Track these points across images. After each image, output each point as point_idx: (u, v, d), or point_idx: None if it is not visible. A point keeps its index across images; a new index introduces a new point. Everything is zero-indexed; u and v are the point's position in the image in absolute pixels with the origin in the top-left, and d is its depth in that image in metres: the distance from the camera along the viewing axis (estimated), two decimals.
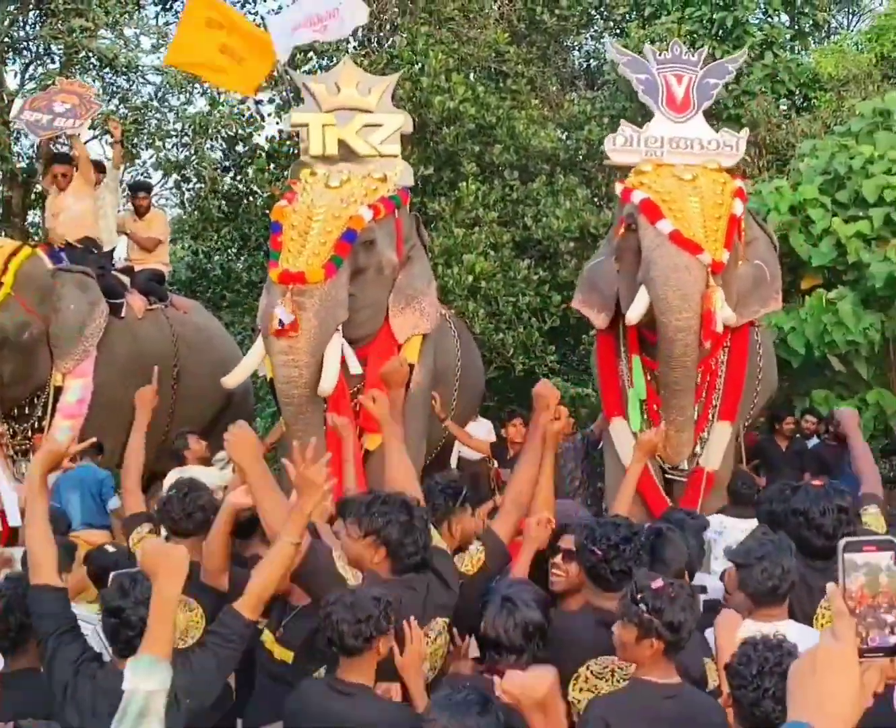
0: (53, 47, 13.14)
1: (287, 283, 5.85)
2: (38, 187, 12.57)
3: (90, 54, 12.99)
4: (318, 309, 5.88)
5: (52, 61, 13.61)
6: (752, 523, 4.30)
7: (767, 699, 2.54)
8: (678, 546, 3.64)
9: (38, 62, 13.82)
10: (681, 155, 6.70)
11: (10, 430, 7.44)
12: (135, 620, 2.75)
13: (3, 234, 11.67)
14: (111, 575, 2.99)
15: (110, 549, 4.45)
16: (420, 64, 11.69)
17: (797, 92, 14.22)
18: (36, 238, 12.37)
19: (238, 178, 13.32)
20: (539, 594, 3.25)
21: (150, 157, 13.49)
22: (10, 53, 13.67)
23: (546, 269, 11.50)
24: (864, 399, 8.95)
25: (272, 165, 12.49)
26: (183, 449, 6.78)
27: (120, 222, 9.00)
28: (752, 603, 3.42)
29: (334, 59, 11.54)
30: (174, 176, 13.55)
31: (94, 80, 13.09)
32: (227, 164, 13.40)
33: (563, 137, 12.84)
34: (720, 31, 13.89)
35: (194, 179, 13.29)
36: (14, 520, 6.07)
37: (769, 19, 15.08)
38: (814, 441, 8.90)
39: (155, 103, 13.66)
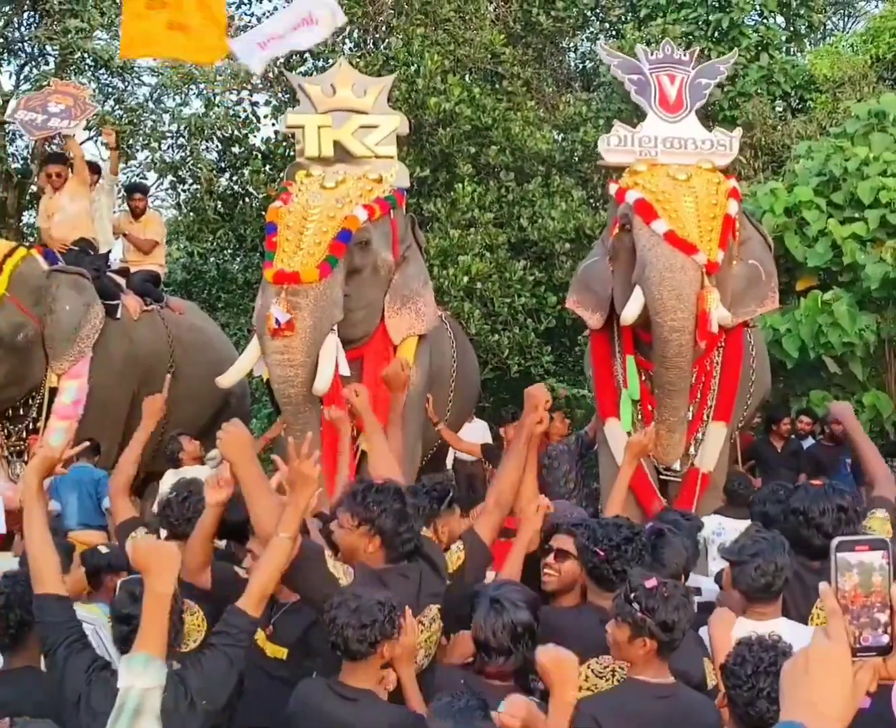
0: (49, 48, 13.14)
1: (282, 283, 5.86)
2: (34, 188, 12.56)
3: (85, 55, 12.97)
4: (312, 308, 5.88)
5: (47, 62, 13.61)
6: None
7: (762, 699, 2.54)
8: (677, 548, 3.64)
9: (34, 63, 13.81)
10: (675, 155, 6.69)
11: (5, 431, 7.44)
12: None
13: None
14: (118, 582, 2.99)
15: (103, 549, 4.44)
16: (416, 65, 11.70)
17: (792, 93, 14.24)
18: (31, 239, 12.36)
19: (234, 179, 13.33)
20: (528, 595, 3.24)
21: (146, 159, 13.49)
22: (6, 54, 13.65)
23: (542, 270, 11.52)
24: (860, 401, 8.96)
25: (268, 167, 12.50)
26: (177, 451, 6.78)
27: (116, 224, 8.99)
28: (745, 600, 3.43)
29: (330, 60, 11.54)
30: (170, 177, 13.56)
31: (89, 81, 13.08)
32: (222, 165, 13.39)
33: (559, 139, 12.85)
34: (716, 33, 13.92)
35: (190, 181, 13.29)
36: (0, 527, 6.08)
37: (765, 21, 15.09)
38: (809, 442, 8.90)
39: (150, 104, 13.66)
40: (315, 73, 11.84)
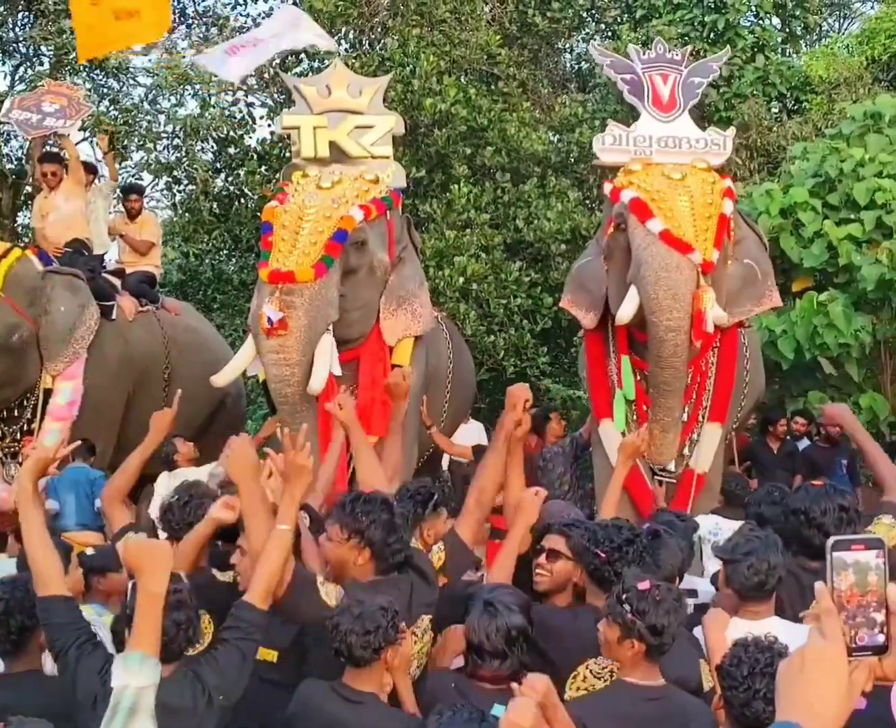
0: (43, 48, 13.13)
1: (276, 283, 5.85)
2: (28, 189, 12.54)
3: None
4: (307, 308, 5.87)
5: (42, 63, 13.59)
6: None
7: (758, 700, 2.54)
8: (673, 549, 3.64)
9: (28, 63, 13.80)
10: (669, 154, 6.68)
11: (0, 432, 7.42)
12: None
13: None
14: (129, 584, 2.98)
15: (89, 551, 4.42)
16: (411, 66, 11.70)
17: (788, 95, 14.26)
18: (26, 240, 12.32)
19: (229, 180, 13.31)
20: (521, 598, 3.23)
21: (141, 159, 13.47)
22: (0, 55, 13.63)
23: (538, 271, 11.52)
24: (856, 403, 8.95)
25: (263, 167, 12.49)
26: (172, 453, 6.78)
27: (111, 225, 8.99)
28: (738, 599, 3.42)
29: (326, 61, 11.53)
30: (165, 178, 13.54)
31: (84, 82, 13.06)
32: (218, 166, 13.38)
33: (555, 140, 12.85)
34: (711, 34, 13.94)
35: (185, 181, 13.28)
36: None
37: (760, 22, 15.13)
38: (805, 443, 8.90)
39: (146, 105, 13.64)
40: (311, 73, 11.84)
